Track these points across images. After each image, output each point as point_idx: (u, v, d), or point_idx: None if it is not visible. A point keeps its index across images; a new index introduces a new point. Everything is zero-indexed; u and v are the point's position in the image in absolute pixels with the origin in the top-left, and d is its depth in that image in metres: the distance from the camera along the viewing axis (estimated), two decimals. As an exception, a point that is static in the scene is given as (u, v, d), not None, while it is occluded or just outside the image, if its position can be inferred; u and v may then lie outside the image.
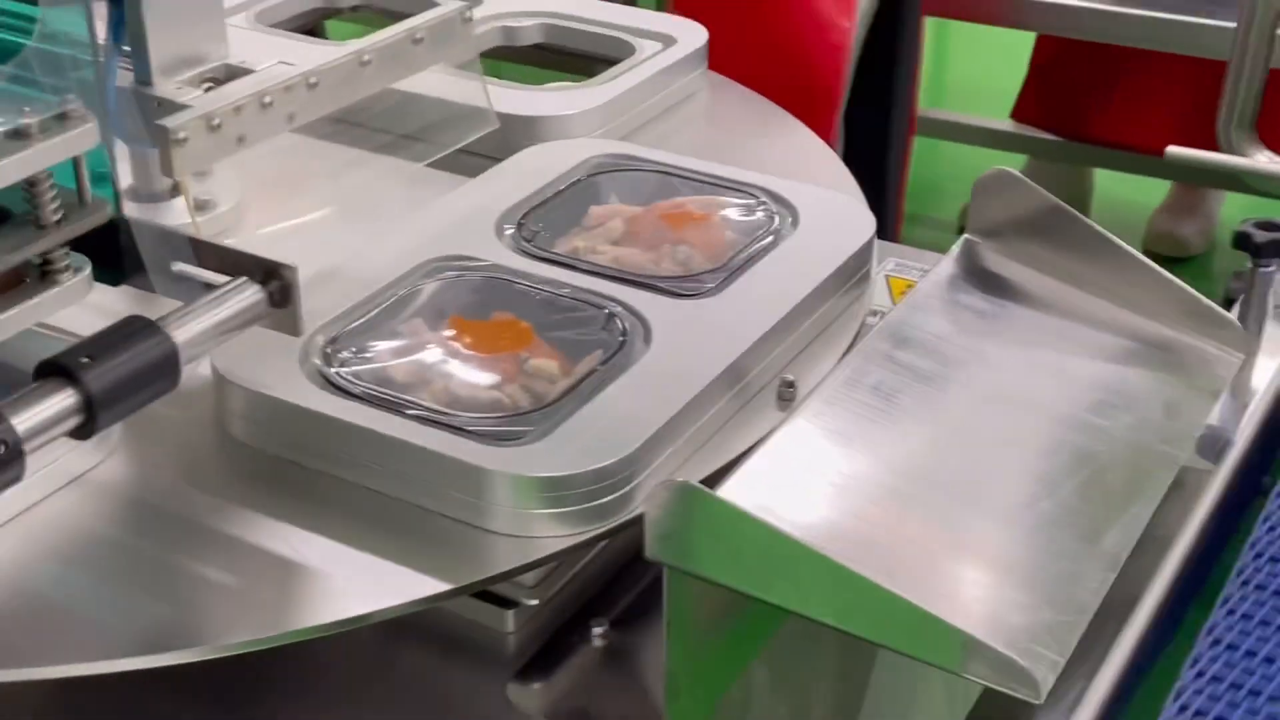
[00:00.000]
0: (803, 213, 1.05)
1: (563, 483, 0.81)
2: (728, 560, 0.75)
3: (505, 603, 0.92)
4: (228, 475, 0.88)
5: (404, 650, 0.93)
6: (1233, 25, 1.81)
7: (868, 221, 1.05)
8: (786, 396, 0.93)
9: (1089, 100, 2.80)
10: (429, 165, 1.15)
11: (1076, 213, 1.00)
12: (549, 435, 0.84)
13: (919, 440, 0.87)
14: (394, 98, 1.13)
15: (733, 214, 1.07)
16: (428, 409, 0.86)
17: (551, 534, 0.82)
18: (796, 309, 0.95)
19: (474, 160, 1.16)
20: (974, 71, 3.74)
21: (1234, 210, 2.89)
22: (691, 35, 1.36)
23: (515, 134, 1.19)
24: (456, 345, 0.92)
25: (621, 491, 0.83)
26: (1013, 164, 2.40)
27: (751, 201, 1.07)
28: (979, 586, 0.77)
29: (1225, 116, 1.82)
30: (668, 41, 1.35)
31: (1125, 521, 0.82)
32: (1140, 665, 0.84)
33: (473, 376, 0.90)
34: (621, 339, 0.92)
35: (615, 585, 0.96)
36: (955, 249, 1.02)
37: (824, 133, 1.80)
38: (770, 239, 1.03)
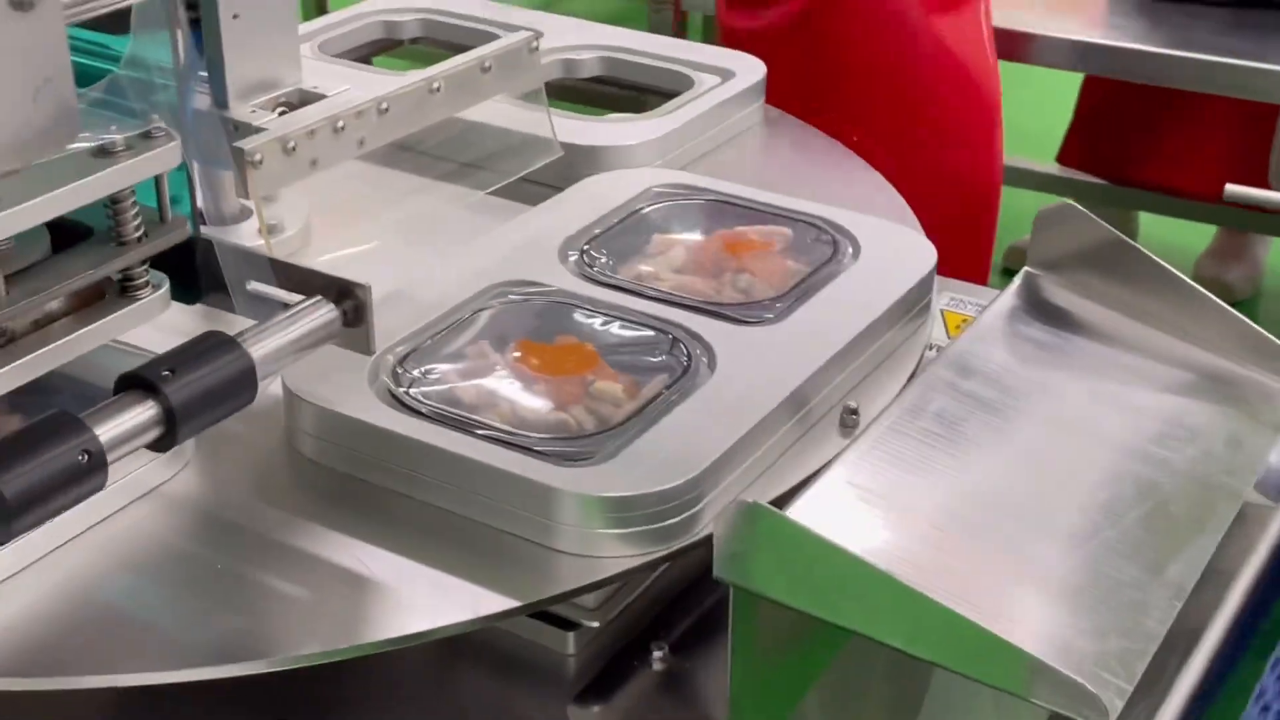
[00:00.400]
0: (864, 243, 1.06)
1: (629, 503, 0.82)
2: (794, 581, 0.76)
3: (566, 624, 0.93)
4: (298, 491, 0.89)
5: (466, 670, 0.94)
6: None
7: (929, 253, 1.06)
8: (849, 423, 0.93)
9: (1134, 144, 2.80)
10: (493, 193, 1.17)
11: (1138, 246, 1.01)
12: (616, 456, 0.85)
13: (983, 467, 0.88)
14: (459, 127, 1.14)
15: (794, 243, 1.08)
16: (495, 429, 0.87)
17: (617, 554, 0.83)
18: (859, 337, 0.96)
19: (536, 189, 1.18)
20: (1020, 115, 3.75)
21: (1280, 256, 2.89)
22: (749, 69, 1.37)
23: (576, 163, 1.20)
24: (522, 367, 0.93)
25: (688, 514, 0.84)
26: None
27: (813, 232, 1.08)
28: (1045, 613, 0.78)
29: (1278, 158, 1.82)
30: (726, 75, 1.36)
31: (1190, 552, 0.83)
32: (1203, 699, 0.84)
33: (539, 398, 0.91)
34: (686, 364, 0.93)
35: (675, 609, 0.96)
36: (1016, 281, 1.03)
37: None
38: (832, 268, 1.04)
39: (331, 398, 0.89)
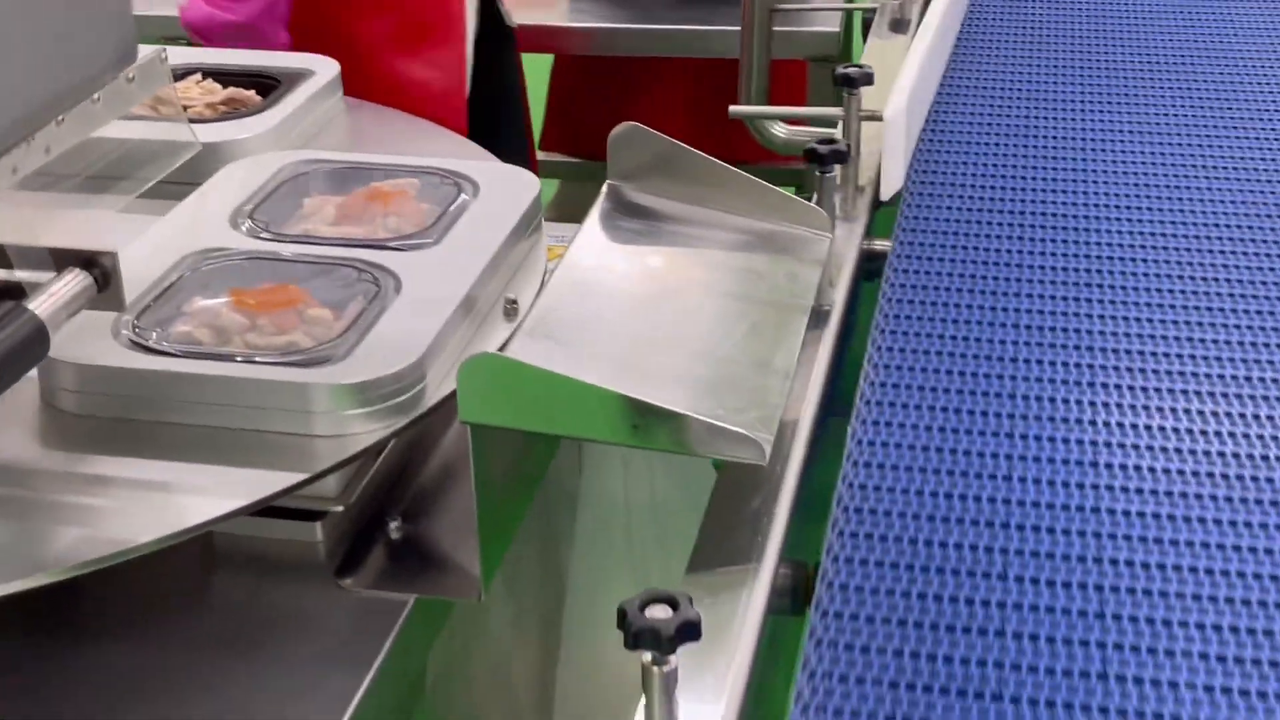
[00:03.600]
0: (480, 182, 1.30)
1: (371, 386, 1.03)
2: (519, 408, 0.98)
3: (313, 516, 1.11)
4: (69, 437, 1.03)
5: (231, 577, 1.08)
6: (736, 29, 2.20)
7: (533, 181, 1.31)
8: (512, 312, 1.17)
9: (604, 121, 3.14)
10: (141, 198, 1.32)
11: (690, 148, 1.30)
12: (350, 355, 1.05)
13: (621, 322, 1.13)
14: (102, 144, 1.29)
15: (423, 190, 1.30)
16: (239, 353, 1.05)
17: (368, 429, 1.03)
18: (503, 246, 1.20)
19: (175, 188, 1.34)
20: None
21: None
22: (325, 67, 1.58)
23: (202, 161, 1.37)
24: (241, 308, 1.11)
25: (414, 391, 1.05)
26: (548, 191, 2.70)
27: (435, 179, 1.31)
28: (695, 401, 1.04)
29: (744, 102, 2.20)
30: (308, 74, 1.56)
31: (785, 349, 1.12)
32: (812, 461, 1.12)
33: (264, 329, 1.09)
34: (376, 287, 1.14)
35: (400, 487, 1.16)
36: (604, 190, 1.30)
37: None
38: (462, 202, 1.27)
39: (91, 355, 1.04)
